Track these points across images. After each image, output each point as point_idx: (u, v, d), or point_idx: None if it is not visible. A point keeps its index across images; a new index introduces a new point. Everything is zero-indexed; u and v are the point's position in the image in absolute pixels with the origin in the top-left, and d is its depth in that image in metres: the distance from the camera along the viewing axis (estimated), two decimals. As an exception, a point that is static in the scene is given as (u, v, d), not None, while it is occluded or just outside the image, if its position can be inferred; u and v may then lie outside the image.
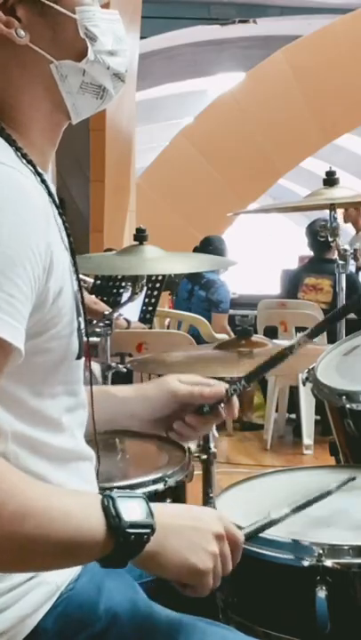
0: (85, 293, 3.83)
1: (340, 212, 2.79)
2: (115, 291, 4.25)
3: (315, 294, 5.31)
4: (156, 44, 11.24)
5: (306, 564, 1.22)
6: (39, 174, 1.12)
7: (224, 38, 12.01)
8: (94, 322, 2.79)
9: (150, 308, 4.36)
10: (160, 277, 4.32)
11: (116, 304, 3.59)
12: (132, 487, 1.54)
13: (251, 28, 11.71)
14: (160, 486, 1.61)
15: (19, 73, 1.14)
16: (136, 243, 2.52)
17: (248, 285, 8.92)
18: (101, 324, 2.71)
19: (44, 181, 1.12)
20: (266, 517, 1.22)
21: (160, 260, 2.48)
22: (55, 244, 1.07)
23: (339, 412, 1.74)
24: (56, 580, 1.11)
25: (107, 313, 2.77)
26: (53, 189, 1.16)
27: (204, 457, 2.04)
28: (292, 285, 5.55)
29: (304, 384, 1.84)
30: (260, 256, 16.54)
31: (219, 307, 5.66)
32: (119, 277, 4.15)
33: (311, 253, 5.60)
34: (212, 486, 2.05)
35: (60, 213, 1.15)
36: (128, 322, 3.97)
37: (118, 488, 1.09)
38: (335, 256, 2.82)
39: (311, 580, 1.21)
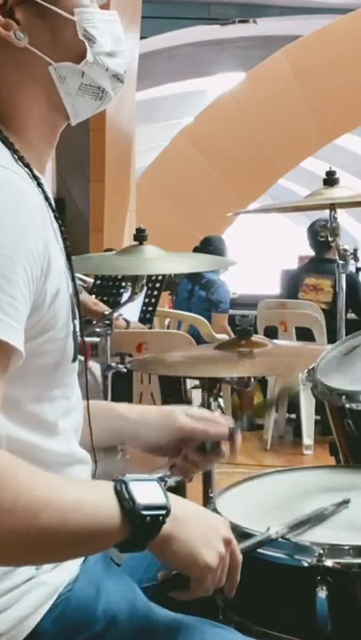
0: (85, 294, 3.84)
1: (340, 212, 2.79)
2: (115, 291, 4.25)
3: (315, 294, 5.31)
4: (156, 44, 11.24)
5: (306, 564, 1.22)
6: (35, 178, 1.12)
7: (224, 38, 12.01)
8: (94, 322, 2.78)
9: (150, 308, 4.36)
10: (160, 277, 4.32)
11: (116, 304, 3.59)
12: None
13: (251, 27, 11.70)
14: (160, 486, 1.60)
15: (17, 75, 1.14)
16: (136, 243, 2.52)
17: (248, 285, 8.91)
18: (101, 324, 2.71)
19: (40, 185, 1.12)
20: (263, 534, 1.23)
21: (160, 260, 2.48)
22: (52, 247, 1.08)
23: (339, 412, 1.74)
24: (55, 581, 1.11)
25: (107, 313, 2.76)
26: (49, 193, 1.16)
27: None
28: (293, 285, 5.55)
29: (304, 384, 1.84)
30: (260, 256, 16.54)
31: (219, 307, 5.66)
32: (119, 277, 4.14)
33: (312, 253, 5.60)
34: (212, 486, 2.05)
35: (55, 217, 1.15)
36: (127, 322, 3.96)
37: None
38: (335, 256, 2.81)
39: (311, 580, 1.21)
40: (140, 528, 0.99)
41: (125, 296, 2.69)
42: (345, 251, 2.77)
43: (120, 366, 2.70)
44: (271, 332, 4.95)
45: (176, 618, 1.16)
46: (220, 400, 2.13)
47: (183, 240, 7.48)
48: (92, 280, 4.27)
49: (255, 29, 11.76)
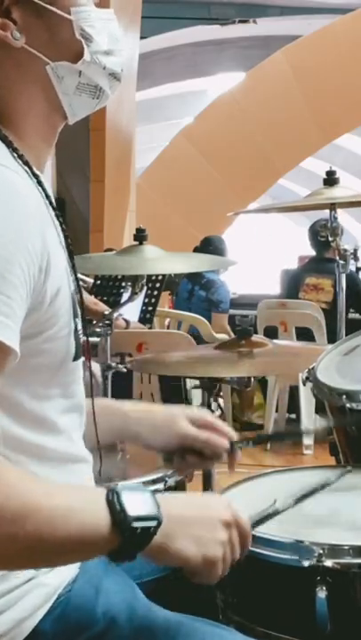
0: (85, 294, 3.83)
1: (340, 212, 2.79)
2: (115, 291, 4.24)
3: (316, 294, 5.31)
4: (156, 44, 11.24)
5: (306, 564, 1.22)
6: (35, 176, 1.12)
7: (224, 38, 12.02)
8: (94, 322, 2.78)
9: (150, 308, 4.36)
10: (160, 277, 4.31)
11: (116, 304, 3.58)
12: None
13: (251, 27, 11.71)
14: (160, 486, 1.60)
15: (15, 74, 1.14)
16: (136, 243, 2.52)
17: (248, 285, 8.92)
18: (101, 324, 2.70)
19: (40, 183, 1.12)
20: (271, 505, 1.22)
21: (160, 260, 2.48)
22: (52, 245, 1.07)
23: (339, 412, 1.74)
24: (53, 582, 1.11)
25: (107, 313, 2.76)
26: (50, 191, 1.16)
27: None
28: (293, 285, 5.55)
29: (304, 384, 1.84)
30: (260, 256, 16.54)
31: (219, 307, 5.66)
32: (119, 277, 4.14)
33: (312, 253, 5.60)
34: (212, 486, 2.05)
35: (56, 215, 1.15)
36: (127, 322, 3.96)
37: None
38: (335, 256, 2.81)
39: (311, 581, 1.21)
40: (130, 539, 0.98)
41: (125, 296, 2.68)
42: (345, 250, 2.77)
43: (120, 366, 2.70)
44: (271, 332, 4.94)
45: (176, 618, 1.16)
46: (220, 400, 2.13)
47: (183, 240, 7.49)
48: (91, 280, 4.27)
49: (255, 29, 11.77)
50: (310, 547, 1.23)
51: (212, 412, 1.67)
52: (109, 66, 1.17)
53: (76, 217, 7.29)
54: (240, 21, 11.60)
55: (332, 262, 3.95)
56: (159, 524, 0.99)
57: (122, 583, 1.18)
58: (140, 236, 2.50)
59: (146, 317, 4.33)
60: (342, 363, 1.86)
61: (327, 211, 2.78)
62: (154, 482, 1.61)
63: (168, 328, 5.42)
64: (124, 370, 2.71)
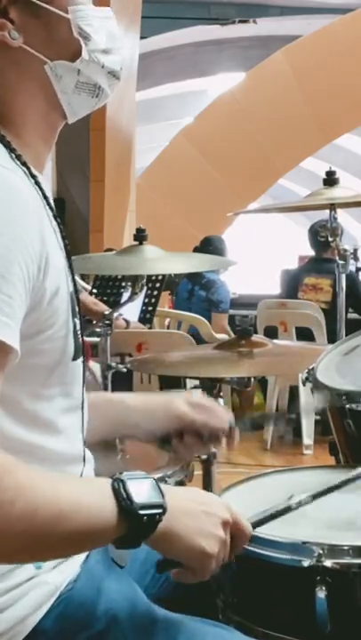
0: (85, 294, 3.83)
1: (340, 212, 2.79)
2: (115, 291, 4.25)
3: (315, 294, 5.31)
4: (156, 44, 11.25)
5: (306, 564, 1.22)
6: (33, 176, 1.11)
7: (224, 38, 12.02)
8: (94, 322, 2.78)
9: (150, 308, 4.36)
10: (160, 277, 4.32)
11: (116, 304, 3.59)
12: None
13: (251, 27, 11.71)
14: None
15: (13, 74, 1.14)
16: (136, 243, 2.52)
17: (248, 285, 8.91)
18: (101, 324, 2.71)
19: (37, 183, 1.12)
20: (284, 503, 1.23)
21: (160, 260, 2.48)
22: (50, 245, 1.07)
23: (339, 412, 1.74)
24: (55, 581, 1.11)
25: (107, 313, 2.76)
26: (48, 191, 1.16)
27: (204, 457, 2.04)
28: (292, 285, 5.55)
29: (304, 384, 1.84)
30: (260, 256, 16.53)
31: (219, 307, 5.66)
32: (119, 277, 4.15)
33: (312, 253, 5.60)
34: (212, 486, 2.05)
35: (54, 215, 1.15)
36: (127, 322, 3.96)
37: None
38: (335, 256, 2.81)
39: (311, 581, 1.21)
40: (136, 526, 0.99)
41: (125, 296, 2.69)
42: (345, 251, 2.77)
43: (120, 366, 2.70)
44: (271, 332, 4.95)
45: (176, 618, 1.16)
46: (220, 400, 2.13)
47: (183, 240, 7.48)
48: (89, 287, 4.28)
49: (255, 29, 11.77)
50: (310, 547, 1.23)
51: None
52: (108, 64, 1.17)
53: (76, 217, 7.29)
54: (240, 21, 11.60)
55: (331, 262, 3.95)
56: (164, 511, 1.01)
57: (123, 583, 1.18)
58: (140, 236, 2.50)
59: (146, 317, 4.33)
60: (342, 363, 1.86)
61: (327, 211, 2.78)
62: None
63: (168, 328, 5.42)
64: (124, 370, 2.71)
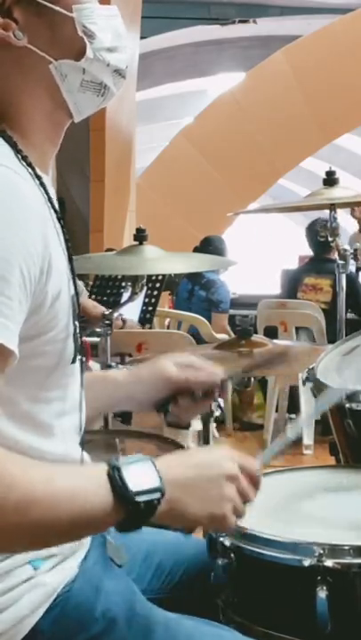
0: (85, 297, 3.83)
1: (340, 212, 2.78)
2: (115, 291, 4.25)
3: (314, 294, 5.31)
4: (156, 44, 11.24)
5: (306, 564, 1.22)
6: (38, 177, 1.11)
7: (224, 38, 12.01)
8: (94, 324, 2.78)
9: (150, 308, 4.36)
10: (160, 277, 4.31)
11: (115, 304, 3.58)
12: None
13: (251, 27, 11.70)
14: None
15: (18, 74, 1.13)
16: (136, 243, 2.51)
17: (248, 285, 8.90)
18: (101, 325, 2.71)
19: (42, 185, 1.12)
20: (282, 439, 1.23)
21: (160, 260, 2.48)
22: (53, 248, 1.07)
23: (339, 412, 1.74)
24: (53, 582, 1.11)
25: (106, 313, 2.76)
26: (53, 193, 1.15)
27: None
28: (292, 285, 5.55)
29: (304, 384, 1.84)
30: (260, 256, 16.53)
31: (219, 307, 5.66)
32: (119, 277, 4.15)
33: (311, 253, 5.60)
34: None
35: (58, 218, 1.14)
36: (124, 321, 3.96)
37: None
38: (335, 256, 2.81)
39: (312, 581, 1.21)
40: (134, 512, 0.99)
41: (125, 296, 2.68)
42: (345, 251, 2.77)
43: (120, 366, 2.70)
44: (271, 332, 4.95)
45: (176, 618, 1.16)
46: (220, 400, 2.12)
47: (183, 240, 7.48)
48: (87, 293, 4.28)
49: (255, 29, 11.76)
50: (310, 547, 1.23)
51: (212, 411, 1.67)
52: (113, 62, 1.17)
53: (76, 217, 7.28)
54: (240, 21, 11.59)
55: (331, 262, 3.95)
56: (162, 495, 1.00)
57: (122, 584, 1.18)
58: (140, 236, 2.50)
59: (146, 317, 4.33)
60: (342, 363, 1.86)
61: (327, 211, 2.78)
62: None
63: (168, 328, 5.42)
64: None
